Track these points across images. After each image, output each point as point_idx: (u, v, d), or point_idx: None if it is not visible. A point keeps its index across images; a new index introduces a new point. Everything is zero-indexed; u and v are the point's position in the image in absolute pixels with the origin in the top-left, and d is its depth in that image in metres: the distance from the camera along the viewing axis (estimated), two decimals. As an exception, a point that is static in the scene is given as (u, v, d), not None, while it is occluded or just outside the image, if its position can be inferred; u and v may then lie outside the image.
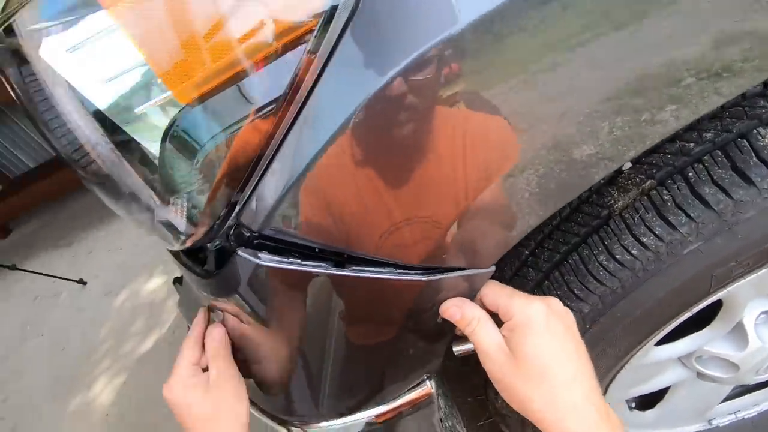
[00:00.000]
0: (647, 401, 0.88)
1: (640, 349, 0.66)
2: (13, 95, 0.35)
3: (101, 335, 2.08)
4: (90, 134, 0.34)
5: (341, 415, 0.55)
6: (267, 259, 0.35)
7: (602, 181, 0.59)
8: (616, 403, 0.81)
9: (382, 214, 0.35)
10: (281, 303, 0.40)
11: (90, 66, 0.30)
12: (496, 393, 0.75)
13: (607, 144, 0.42)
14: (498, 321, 0.44)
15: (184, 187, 0.35)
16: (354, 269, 0.37)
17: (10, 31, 0.30)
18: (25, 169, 4.06)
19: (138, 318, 2.06)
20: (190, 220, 0.37)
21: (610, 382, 0.72)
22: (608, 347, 0.61)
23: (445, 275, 0.40)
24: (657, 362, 0.74)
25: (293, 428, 0.56)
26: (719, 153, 0.50)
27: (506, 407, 0.75)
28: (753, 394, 0.89)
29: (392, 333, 0.45)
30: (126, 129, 0.33)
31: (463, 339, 0.49)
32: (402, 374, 0.52)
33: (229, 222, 0.37)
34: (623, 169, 0.57)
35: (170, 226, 0.39)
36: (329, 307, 0.41)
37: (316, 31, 0.28)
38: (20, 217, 3.75)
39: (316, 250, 0.38)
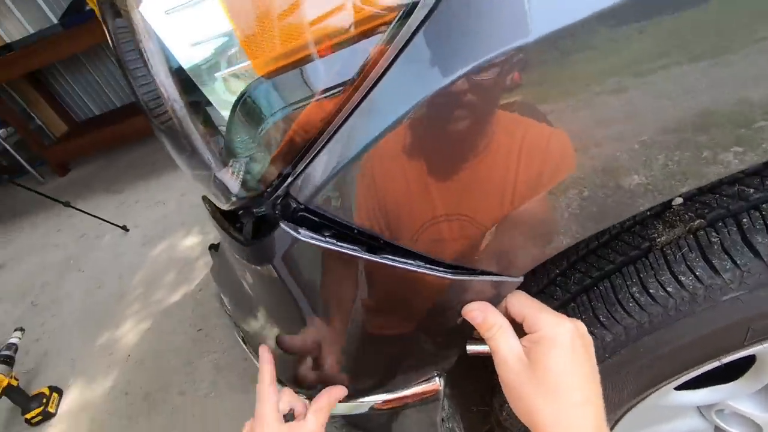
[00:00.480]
0: (657, 446, 0.85)
1: (658, 389, 0.64)
2: (110, 42, 0.38)
3: (134, 281, 2.20)
4: (170, 89, 0.36)
5: (349, 397, 0.57)
6: (305, 235, 0.37)
7: (649, 213, 0.58)
8: (624, 441, 0.79)
9: (426, 206, 0.36)
10: (311, 280, 0.42)
11: (183, 28, 0.32)
12: (501, 404, 0.75)
13: (660, 176, 0.41)
14: (519, 332, 0.45)
15: (244, 152, 0.38)
16: (385, 257, 0.38)
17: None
18: (91, 115, 4.33)
19: (170, 271, 2.17)
20: (244, 184, 0.39)
21: (621, 417, 0.70)
22: (624, 381, 0.60)
23: (472, 277, 0.41)
24: (674, 406, 0.72)
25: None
26: (779, 203, 0.48)
27: (509, 420, 0.75)
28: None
29: (411, 326, 0.46)
30: (203, 90, 0.36)
31: (479, 340, 0.50)
32: (414, 368, 0.54)
33: (279, 192, 0.39)
34: (673, 204, 0.56)
35: (224, 187, 0.41)
36: (355, 292, 0.42)
37: (393, 24, 0.30)
38: (80, 159, 4.00)
39: (355, 231, 0.39)
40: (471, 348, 0.51)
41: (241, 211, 0.47)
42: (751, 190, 0.51)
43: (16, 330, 1.72)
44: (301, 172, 0.37)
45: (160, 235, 2.48)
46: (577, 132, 0.37)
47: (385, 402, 0.56)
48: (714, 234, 0.51)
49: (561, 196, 0.40)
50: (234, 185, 0.40)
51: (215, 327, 1.74)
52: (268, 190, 0.39)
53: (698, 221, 0.53)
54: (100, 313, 2.08)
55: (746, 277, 0.48)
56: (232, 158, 0.39)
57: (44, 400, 1.61)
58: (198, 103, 0.37)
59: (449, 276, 0.40)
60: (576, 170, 0.39)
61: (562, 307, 0.62)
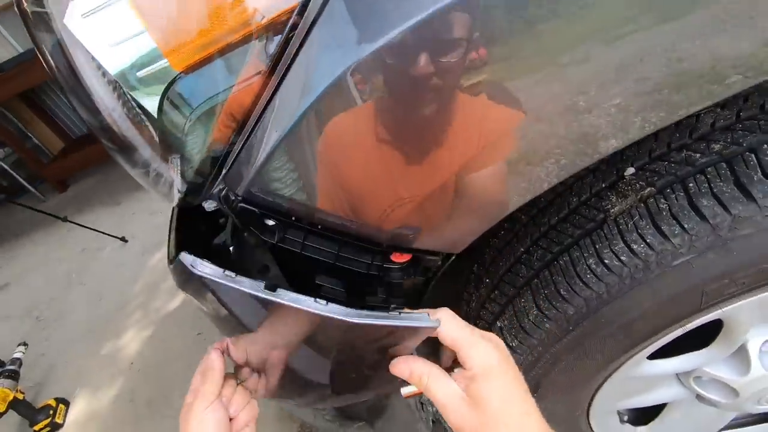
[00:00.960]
0: (641, 416, 0.86)
1: (628, 359, 0.65)
2: (46, 67, 0.39)
3: (135, 290, 2.23)
4: (104, 97, 0.37)
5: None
6: (201, 270, 0.36)
7: (603, 185, 0.58)
8: (606, 414, 0.80)
9: (359, 182, 0.37)
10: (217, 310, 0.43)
11: (100, 31, 0.33)
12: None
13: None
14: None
15: (179, 148, 0.39)
16: (280, 296, 0.37)
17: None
18: (85, 131, 4.36)
19: (169, 278, 2.18)
20: (185, 178, 0.41)
21: (598, 388, 0.71)
22: (591, 353, 0.61)
23: (369, 320, 0.38)
24: (651, 376, 0.72)
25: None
26: (724, 166, 0.49)
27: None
28: (756, 426, 0.85)
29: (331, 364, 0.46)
30: (130, 91, 0.37)
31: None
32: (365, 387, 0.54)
33: (219, 185, 0.40)
34: (626, 174, 0.56)
35: (168, 183, 0.42)
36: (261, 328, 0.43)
37: (297, 9, 0.31)
38: (78, 175, 4.04)
39: (293, 219, 0.40)
40: (405, 390, 0.49)
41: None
42: (698, 155, 0.51)
43: (19, 345, 1.76)
44: (232, 164, 0.38)
45: (157, 244, 2.51)
46: (543, 104, 0.38)
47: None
48: (663, 201, 0.51)
49: (539, 166, 0.41)
50: (177, 181, 0.42)
51: (214, 330, 1.76)
52: (207, 183, 0.40)
53: (648, 189, 0.53)
54: (103, 324, 2.11)
55: (695, 241, 0.49)
56: (170, 156, 0.40)
57: (51, 412, 1.64)
58: (131, 106, 0.38)
59: (345, 318, 0.38)
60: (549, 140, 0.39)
61: (527, 284, 0.63)
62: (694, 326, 0.60)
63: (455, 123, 0.36)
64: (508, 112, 0.38)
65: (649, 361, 0.68)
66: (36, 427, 1.60)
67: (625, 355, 0.63)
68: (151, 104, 0.37)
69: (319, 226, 0.40)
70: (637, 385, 0.75)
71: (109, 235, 2.62)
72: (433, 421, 0.81)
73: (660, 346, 0.64)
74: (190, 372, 1.71)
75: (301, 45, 0.32)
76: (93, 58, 0.35)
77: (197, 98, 0.35)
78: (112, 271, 2.48)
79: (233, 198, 0.40)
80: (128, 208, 3.10)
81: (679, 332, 0.60)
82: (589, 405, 0.75)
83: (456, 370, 0.43)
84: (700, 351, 0.66)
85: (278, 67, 0.33)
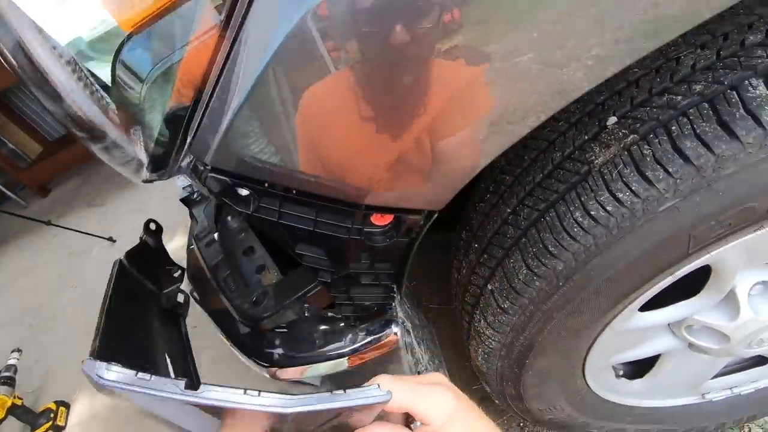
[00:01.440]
0: (636, 370, 0.87)
1: (620, 312, 0.65)
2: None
3: (127, 289, 2.20)
4: (62, 79, 0.35)
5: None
6: (107, 379, 0.27)
7: (586, 137, 0.57)
8: (602, 369, 0.81)
9: (326, 140, 0.36)
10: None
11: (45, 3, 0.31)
12: (476, 349, 0.76)
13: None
14: None
15: (138, 118, 0.36)
16: (200, 393, 0.27)
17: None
18: (63, 132, 4.25)
19: (160, 274, 2.17)
20: (148, 151, 0.39)
21: (591, 345, 0.71)
22: (582, 308, 0.61)
23: (310, 407, 0.29)
24: (643, 328, 0.73)
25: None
26: (706, 106, 0.48)
27: (485, 365, 0.76)
28: (749, 371, 0.86)
29: None
30: (83, 62, 0.35)
31: None
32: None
33: (186, 156, 0.38)
34: (608, 124, 0.55)
35: (137, 160, 0.40)
36: None
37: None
38: (59, 178, 3.95)
39: (266, 185, 0.38)
40: None
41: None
42: (679, 98, 0.50)
43: (13, 351, 1.73)
44: (196, 132, 0.36)
45: (146, 242, 2.47)
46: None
47: (350, 359, 0.57)
48: (646, 147, 0.50)
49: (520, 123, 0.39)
50: (141, 154, 0.40)
51: (209, 323, 1.75)
52: (173, 155, 0.38)
53: (632, 137, 0.52)
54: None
55: (679, 184, 0.48)
56: (131, 127, 0.38)
57: (52, 415, 1.63)
58: (86, 78, 0.36)
59: (283, 411, 0.28)
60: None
61: (515, 244, 0.62)
62: (684, 274, 0.60)
63: (424, 76, 0.35)
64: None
65: (640, 313, 0.69)
66: (38, 431, 1.59)
67: (616, 308, 0.63)
68: (104, 73, 0.35)
69: (294, 191, 0.39)
70: (630, 339, 0.75)
71: (95, 236, 2.57)
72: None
73: (650, 297, 0.64)
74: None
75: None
76: (41, 32, 0.33)
77: (151, 60, 0.33)
78: (103, 271, 2.44)
79: (202, 168, 0.38)
80: (112, 208, 3.05)
81: (668, 281, 0.60)
82: (584, 361, 0.75)
83: (414, 425, 0.41)
84: (690, 300, 0.67)
85: (233, 18, 0.31)
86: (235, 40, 0.31)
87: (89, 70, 0.36)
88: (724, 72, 0.49)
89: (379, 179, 0.38)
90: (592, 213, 0.52)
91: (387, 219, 0.43)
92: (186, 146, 0.37)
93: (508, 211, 0.65)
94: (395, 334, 0.55)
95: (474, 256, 0.72)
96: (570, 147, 0.58)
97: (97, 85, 0.37)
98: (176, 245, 2.30)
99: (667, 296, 0.67)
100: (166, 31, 0.32)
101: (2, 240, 3.40)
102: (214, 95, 0.34)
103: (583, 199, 0.54)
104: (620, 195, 0.51)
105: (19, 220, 2.56)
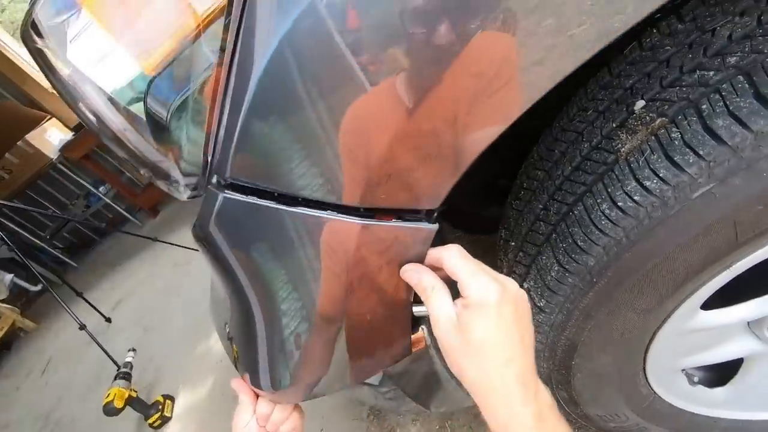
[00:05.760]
0: (716, 377, 0.78)
1: (674, 311, 0.59)
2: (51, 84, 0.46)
3: (219, 296, 2.45)
4: (105, 111, 0.43)
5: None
6: (228, 193, 0.41)
7: (614, 125, 0.54)
8: (669, 374, 0.74)
9: (324, 146, 0.39)
10: (242, 243, 0.46)
11: (86, 52, 0.39)
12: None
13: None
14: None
15: (168, 144, 0.43)
16: (299, 207, 0.41)
17: (35, 27, 0.40)
18: (167, 160, 4.86)
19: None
20: (184, 173, 0.45)
21: (647, 347, 0.66)
22: (623, 306, 0.57)
23: (383, 223, 0.42)
24: (713, 329, 0.65)
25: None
26: (741, 79, 0.43)
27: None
28: None
29: (343, 287, 0.46)
30: (127, 105, 0.42)
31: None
32: (373, 345, 0.54)
33: (213, 174, 0.44)
34: (636, 109, 0.52)
35: (174, 180, 0.48)
36: (283, 250, 0.45)
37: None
38: (166, 200, 4.52)
39: (275, 194, 0.43)
40: (415, 309, 0.51)
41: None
42: (711, 73, 0.46)
43: (129, 350, 2.02)
44: (214, 150, 0.42)
45: (234, 253, 2.73)
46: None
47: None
48: (675, 129, 0.47)
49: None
50: (179, 176, 0.47)
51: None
52: (202, 173, 0.45)
53: (659, 120, 0.49)
54: (196, 328, 2.35)
55: (713, 167, 0.44)
56: (167, 153, 0.45)
57: (160, 407, 1.87)
58: (127, 113, 0.44)
59: (357, 221, 0.42)
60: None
61: (546, 240, 0.61)
62: (746, 267, 0.54)
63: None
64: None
65: (703, 312, 0.62)
66: (150, 421, 1.84)
67: (665, 306, 0.58)
68: (140, 109, 0.42)
69: (301, 198, 0.43)
70: (697, 341, 0.68)
71: (193, 249, 2.90)
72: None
73: (710, 293, 0.58)
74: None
75: (239, 26, 0.35)
76: (97, 88, 0.41)
77: (171, 94, 0.40)
78: (199, 280, 2.75)
79: (223, 184, 0.44)
80: (208, 224, 3.41)
81: (726, 275, 0.54)
82: (644, 365, 0.70)
83: (457, 302, 0.44)
84: (759, 299, 0.59)
85: (227, 44, 0.36)
86: (231, 64, 0.37)
87: (131, 110, 0.44)
88: (764, 39, 0.44)
89: (386, 177, 0.41)
90: (619, 204, 0.50)
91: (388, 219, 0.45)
92: (209, 165, 0.43)
93: (540, 206, 0.63)
94: (421, 330, 0.57)
95: (512, 254, 0.71)
96: (597, 136, 0.55)
97: (143, 121, 0.45)
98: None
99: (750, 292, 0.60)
100: (179, 70, 0.38)
101: (127, 256, 3.98)
102: (223, 115, 0.39)
103: (609, 190, 0.51)
104: (648, 183, 0.47)
105: (136, 238, 2.99)
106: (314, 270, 0.45)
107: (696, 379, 0.79)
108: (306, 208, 0.42)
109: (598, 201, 0.52)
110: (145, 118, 0.42)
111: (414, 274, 0.45)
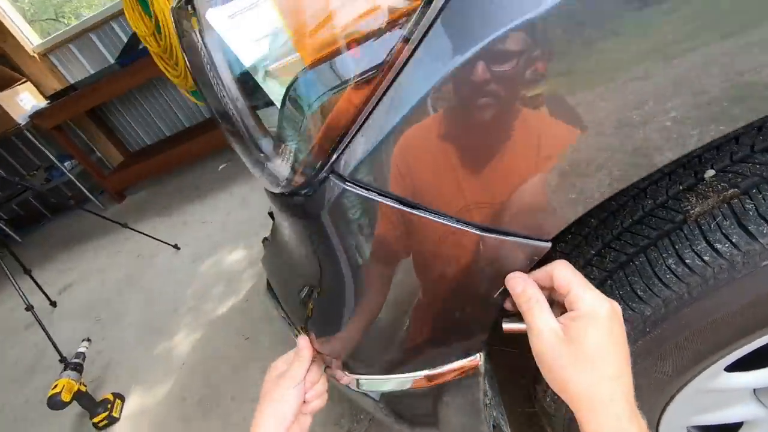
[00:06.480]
0: (715, 437, 0.82)
1: (707, 368, 0.63)
2: (186, 59, 0.45)
3: (186, 295, 2.33)
4: (232, 88, 0.42)
5: (388, 370, 0.60)
6: (351, 186, 0.41)
7: (681, 187, 0.58)
8: (677, 430, 0.77)
9: (453, 178, 0.40)
10: (354, 233, 0.46)
11: (244, 28, 0.38)
12: (545, 390, 0.76)
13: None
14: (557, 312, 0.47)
15: (293, 137, 0.43)
16: (420, 210, 0.42)
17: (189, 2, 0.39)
18: (143, 145, 4.66)
19: (218, 284, 2.29)
20: (293, 166, 0.45)
21: (669, 401, 0.69)
22: (667, 358, 0.60)
23: (501, 236, 0.44)
24: (727, 390, 0.69)
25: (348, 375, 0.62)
26: (816, 165, 0.48)
27: (553, 406, 0.75)
28: None
29: (446, 289, 0.48)
30: (259, 83, 0.41)
31: (515, 317, 0.51)
32: (448, 339, 0.56)
33: (324, 171, 0.44)
34: (705, 176, 0.56)
35: (276, 171, 0.47)
36: (394, 246, 0.45)
37: (418, 11, 0.34)
38: (133, 186, 4.31)
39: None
40: (507, 325, 0.51)
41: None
42: (785, 156, 0.51)
43: (83, 340, 1.87)
44: (343, 150, 0.42)
45: (208, 252, 2.62)
46: (602, 115, 0.40)
47: (426, 378, 0.59)
48: (749, 201, 0.51)
49: (594, 176, 0.43)
50: (284, 169, 0.46)
51: (262, 334, 1.81)
52: (314, 170, 0.44)
53: (732, 190, 0.53)
54: (157, 325, 2.22)
55: (785, 241, 0.48)
56: (283, 144, 0.44)
57: (109, 406, 1.72)
58: (256, 97, 0.43)
59: (478, 232, 0.43)
60: (605, 152, 0.41)
61: (600, 285, 0.63)
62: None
63: (515, 134, 0.39)
64: (566, 128, 0.40)
65: (726, 373, 0.66)
66: (95, 420, 1.69)
67: (703, 363, 0.61)
68: (275, 93, 0.41)
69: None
70: (711, 400, 0.72)
71: (163, 242, 2.76)
72: (493, 426, 0.81)
73: (739, 357, 0.62)
74: (236, 374, 1.79)
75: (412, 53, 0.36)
76: (227, 52, 0.40)
77: (318, 92, 0.39)
78: (165, 276, 2.61)
79: (339, 182, 0.43)
80: (179, 219, 3.27)
81: (764, 340, 0.58)
82: (660, 418, 0.73)
83: (561, 317, 0.45)
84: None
85: (390, 70, 0.37)
86: (390, 83, 0.37)
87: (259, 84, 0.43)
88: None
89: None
90: (687, 261, 0.53)
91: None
92: (327, 165, 0.43)
93: (592, 252, 0.66)
94: (479, 358, 0.57)
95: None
96: (663, 196, 0.59)
97: (257, 99, 0.44)
98: (237, 257, 2.42)
99: (756, 358, 0.65)
100: (337, 66, 0.38)
101: (85, 238, 3.72)
102: (363, 127, 0.40)
103: (677, 246, 0.54)
104: (719, 246, 0.51)
105: (98, 222, 2.80)
106: (420, 267, 0.46)
107: (697, 437, 0.82)
108: (427, 212, 0.42)
109: (664, 255, 0.55)
110: (280, 106, 0.42)
111: (519, 281, 0.46)
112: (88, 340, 1.88)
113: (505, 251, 0.45)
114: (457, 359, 0.58)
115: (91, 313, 2.59)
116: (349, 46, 0.37)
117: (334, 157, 0.42)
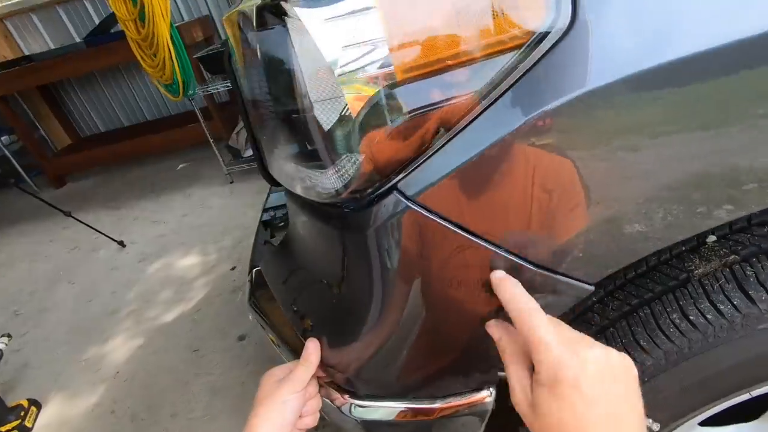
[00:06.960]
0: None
1: (683, 423, 0.67)
2: (237, 54, 0.43)
3: (128, 297, 2.15)
4: (310, 91, 0.41)
5: (396, 394, 0.58)
6: (416, 206, 0.41)
7: (684, 248, 0.63)
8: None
9: (523, 224, 0.41)
10: (408, 252, 0.45)
11: (337, 33, 0.38)
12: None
13: (658, 226, 0.47)
14: None
15: (358, 148, 0.42)
16: (477, 237, 0.42)
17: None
18: (96, 132, 4.36)
19: (166, 289, 2.13)
20: (349, 179, 0.44)
21: (647, 450, 0.72)
22: (657, 408, 0.63)
23: (552, 274, 0.45)
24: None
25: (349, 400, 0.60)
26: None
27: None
28: None
29: (487, 317, 0.48)
30: (341, 89, 0.40)
31: None
32: (469, 367, 0.55)
33: (382, 189, 0.43)
34: (707, 241, 0.61)
35: (325, 179, 0.46)
36: (443, 273, 0.45)
37: (524, 47, 0.36)
38: (78, 174, 3.98)
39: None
40: (501, 373, 0.51)
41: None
42: (779, 232, 0.57)
43: (2, 336, 1.65)
44: (411, 171, 0.41)
45: (157, 254, 2.45)
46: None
47: (438, 410, 0.57)
48: (749, 268, 0.56)
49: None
50: (335, 180, 0.45)
51: (213, 350, 1.70)
52: (372, 187, 0.43)
53: (733, 257, 0.58)
54: (89, 327, 2.01)
55: (781, 308, 0.53)
56: (344, 153, 0.43)
57: (22, 413, 1.52)
58: (323, 104, 0.42)
59: (530, 266, 0.44)
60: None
61: (601, 332, 0.66)
62: (761, 393, 0.63)
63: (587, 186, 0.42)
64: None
65: (700, 428, 0.70)
66: (3, 429, 1.48)
67: (685, 416, 0.65)
68: (350, 101, 0.41)
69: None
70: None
71: (107, 236, 2.55)
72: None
73: (716, 412, 0.67)
74: (180, 390, 1.66)
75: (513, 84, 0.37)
76: (313, 50, 0.39)
77: (402, 109, 0.39)
78: (105, 274, 2.40)
79: (402, 200, 0.43)
80: (129, 214, 3.05)
81: (743, 398, 0.63)
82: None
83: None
84: (755, 422, 0.69)
85: (493, 92, 0.37)
86: (480, 113, 0.38)
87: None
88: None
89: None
90: (690, 318, 0.57)
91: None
92: (393, 182, 0.43)
93: (594, 299, 0.69)
94: (490, 393, 0.57)
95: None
96: (666, 254, 0.64)
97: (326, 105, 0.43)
98: (190, 262, 2.28)
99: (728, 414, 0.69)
100: (427, 88, 0.39)
101: (11, 220, 3.36)
102: (443, 149, 0.40)
103: (681, 303, 0.58)
104: (721, 306, 0.55)
105: (33, 204, 2.54)
106: (467, 293, 0.46)
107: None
108: (483, 241, 0.43)
109: (668, 310, 0.59)
110: (359, 119, 0.41)
111: (497, 330, 0.45)
112: (8, 335, 1.66)
113: (554, 288, 0.46)
114: (470, 393, 0.57)
115: (10, 306, 2.31)
116: (446, 70, 0.37)
117: (401, 176, 0.42)
